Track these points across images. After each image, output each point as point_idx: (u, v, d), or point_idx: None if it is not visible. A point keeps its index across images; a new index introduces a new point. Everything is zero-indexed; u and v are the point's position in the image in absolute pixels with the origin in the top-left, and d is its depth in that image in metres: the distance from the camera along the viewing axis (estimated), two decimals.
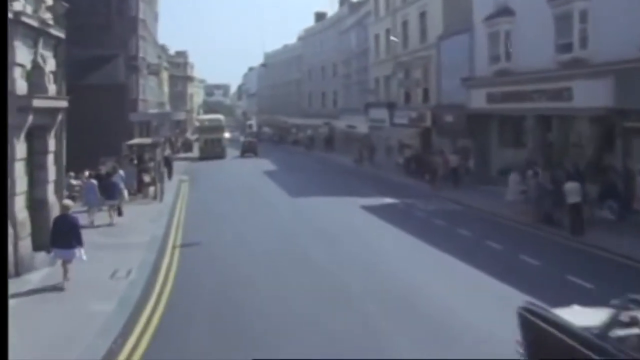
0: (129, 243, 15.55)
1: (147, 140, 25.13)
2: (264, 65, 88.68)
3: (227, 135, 65.52)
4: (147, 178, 24.27)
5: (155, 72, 51.40)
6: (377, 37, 43.28)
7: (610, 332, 5.93)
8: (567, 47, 20.19)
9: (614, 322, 5.97)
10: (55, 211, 13.88)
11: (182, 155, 53.75)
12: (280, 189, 27.94)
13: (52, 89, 14.68)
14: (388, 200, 23.83)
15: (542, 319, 6.94)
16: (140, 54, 45.94)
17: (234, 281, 12.25)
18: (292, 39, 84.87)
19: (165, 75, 79.13)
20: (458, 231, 17.27)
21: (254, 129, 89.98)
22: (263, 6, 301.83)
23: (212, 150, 49.23)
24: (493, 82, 24.95)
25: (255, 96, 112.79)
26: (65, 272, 11.75)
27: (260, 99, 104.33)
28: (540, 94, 21.62)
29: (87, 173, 21.83)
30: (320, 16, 72.63)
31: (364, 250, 14.98)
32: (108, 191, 19.27)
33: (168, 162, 30.39)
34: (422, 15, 34.25)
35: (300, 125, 72.39)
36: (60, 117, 14.67)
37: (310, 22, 74.28)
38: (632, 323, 5.89)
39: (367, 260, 13.92)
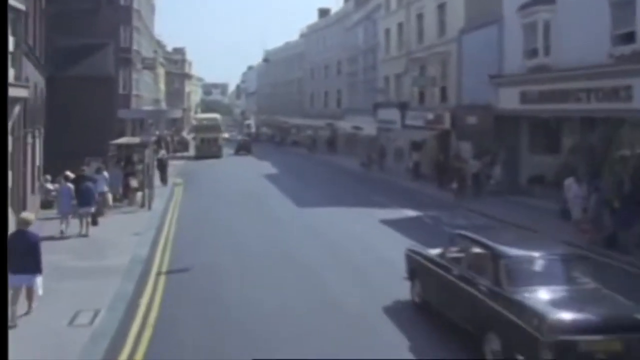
0: (103, 266, 12.54)
1: (134, 140, 22.11)
2: (266, 60, 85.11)
3: (225, 135, 63.55)
4: (134, 182, 21.29)
5: (150, 66, 48.39)
6: (387, 32, 40.36)
7: (447, 254, 9.52)
8: (626, 38, 17.29)
9: (448, 249, 9.65)
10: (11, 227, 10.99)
11: (177, 154, 50.86)
12: (284, 196, 24.97)
13: (10, 74, 11.73)
14: (409, 212, 20.90)
15: (414, 252, 10.75)
16: (134, 47, 43.01)
17: (234, 335, 8.86)
18: (293, 38, 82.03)
19: (161, 71, 76.24)
20: None
21: (253, 129, 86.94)
22: (263, 4, 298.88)
23: (209, 150, 48.38)
24: (528, 80, 22.05)
25: (255, 95, 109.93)
26: (30, 301, 9.41)
27: (260, 98, 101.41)
28: (588, 93, 18.73)
29: (68, 174, 18.80)
30: (324, 12, 69.74)
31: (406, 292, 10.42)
32: (81, 197, 16.34)
33: (162, 165, 27.48)
34: (441, 7, 31.36)
35: (301, 126, 69.59)
36: (18, 108, 11.66)
37: (312, 20, 71.62)
38: (460, 250, 9.34)
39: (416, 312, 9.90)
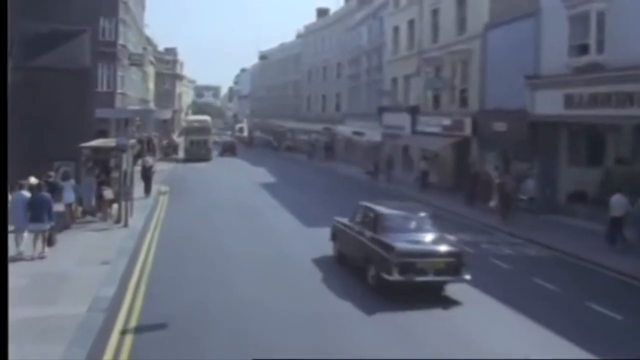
0: (48, 318, 9.05)
1: (110, 143, 18.58)
2: (263, 58, 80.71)
3: (215, 138, 60.84)
4: (109, 193, 17.83)
5: (137, 62, 44.82)
6: (396, 30, 37.14)
7: (354, 219, 13.26)
8: None
9: (354, 217, 13.28)
10: None
11: (167, 158, 47.46)
12: (287, 211, 21.52)
13: None
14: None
15: (336, 222, 14.40)
16: (120, 40, 39.54)
17: None
18: (288, 39, 78.71)
19: (151, 70, 72.68)
20: (604, 312, 10.63)
21: (245, 132, 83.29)
22: (256, 6, 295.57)
23: (198, 152, 47.26)
24: (576, 81, 18.81)
25: (248, 98, 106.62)
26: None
27: (253, 101, 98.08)
28: None
29: (26, 181, 15.37)
30: (322, 12, 66.64)
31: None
32: (34, 210, 12.98)
33: (146, 174, 24.04)
34: (461, 2, 28.14)
35: (296, 130, 66.32)
36: None
37: (307, 21, 68.23)
38: (360, 215, 13.00)
39: None
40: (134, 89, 48.97)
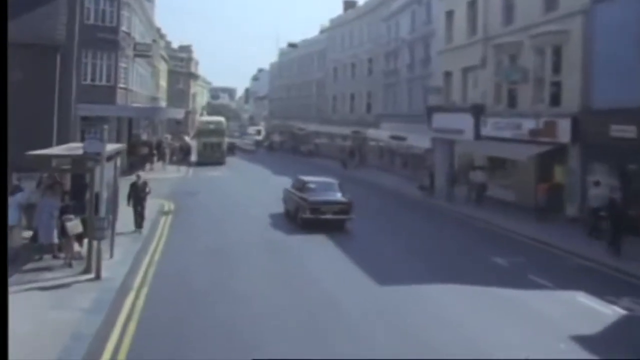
0: None
1: (75, 149, 12.25)
2: (292, 45, 73.26)
3: (234, 140, 55.90)
4: (74, 225, 11.82)
5: (144, 53, 38.99)
6: (450, 14, 30.92)
7: (295, 185, 20.46)
8: None
9: (294, 184, 20.61)
10: None
11: (179, 162, 41.62)
12: (337, 248, 15.26)
13: None
14: (591, 303, 11.23)
15: (284, 190, 21.37)
16: (123, 27, 33.81)
17: None
18: (310, 35, 72.40)
19: (163, 66, 67.11)
20: None
21: (259, 136, 76.82)
22: (275, 6, 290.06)
23: (212, 155, 43.90)
24: None
25: (265, 99, 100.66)
26: None
27: (272, 102, 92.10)
28: None
29: None
30: (349, 4, 60.65)
31: None
32: None
33: (137, 195, 16.48)
34: None
35: (320, 133, 60.16)
36: None
37: (325, 19, 62.21)
38: (298, 183, 20.35)
39: None
40: (141, 84, 43.26)
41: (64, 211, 12.02)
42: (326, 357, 8.02)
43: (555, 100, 21.30)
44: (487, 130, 25.79)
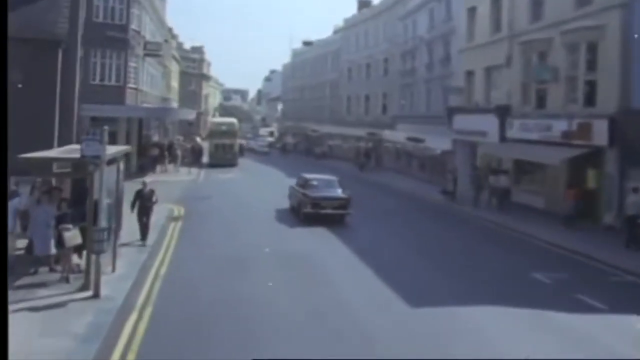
0: None
1: (72, 152, 11.10)
2: (307, 44, 71.56)
3: (242, 142, 55.02)
4: (72, 236, 10.74)
5: (155, 52, 38.04)
6: (472, 10, 29.63)
7: (298, 183, 21.97)
8: None
9: (298, 182, 21.87)
10: None
11: (189, 164, 40.48)
12: (368, 269, 13.46)
13: None
14: None
15: (290, 187, 22.53)
16: (133, 25, 32.87)
17: None
18: (323, 36, 71.06)
19: (174, 66, 66.27)
20: None
21: (272, 137, 75.74)
22: (286, 8, 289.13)
23: (223, 157, 43.36)
24: None
25: (278, 100, 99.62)
26: None
27: (285, 103, 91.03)
28: None
29: None
30: (364, 4, 59.37)
31: None
32: None
33: (143, 205, 15.06)
34: None
35: (333, 135, 58.97)
36: None
37: (338, 20, 60.99)
38: (301, 180, 21.69)
39: None
40: (151, 85, 42.35)
41: (61, 220, 10.91)
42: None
43: (590, 100, 19.96)
44: (513, 132, 24.48)
